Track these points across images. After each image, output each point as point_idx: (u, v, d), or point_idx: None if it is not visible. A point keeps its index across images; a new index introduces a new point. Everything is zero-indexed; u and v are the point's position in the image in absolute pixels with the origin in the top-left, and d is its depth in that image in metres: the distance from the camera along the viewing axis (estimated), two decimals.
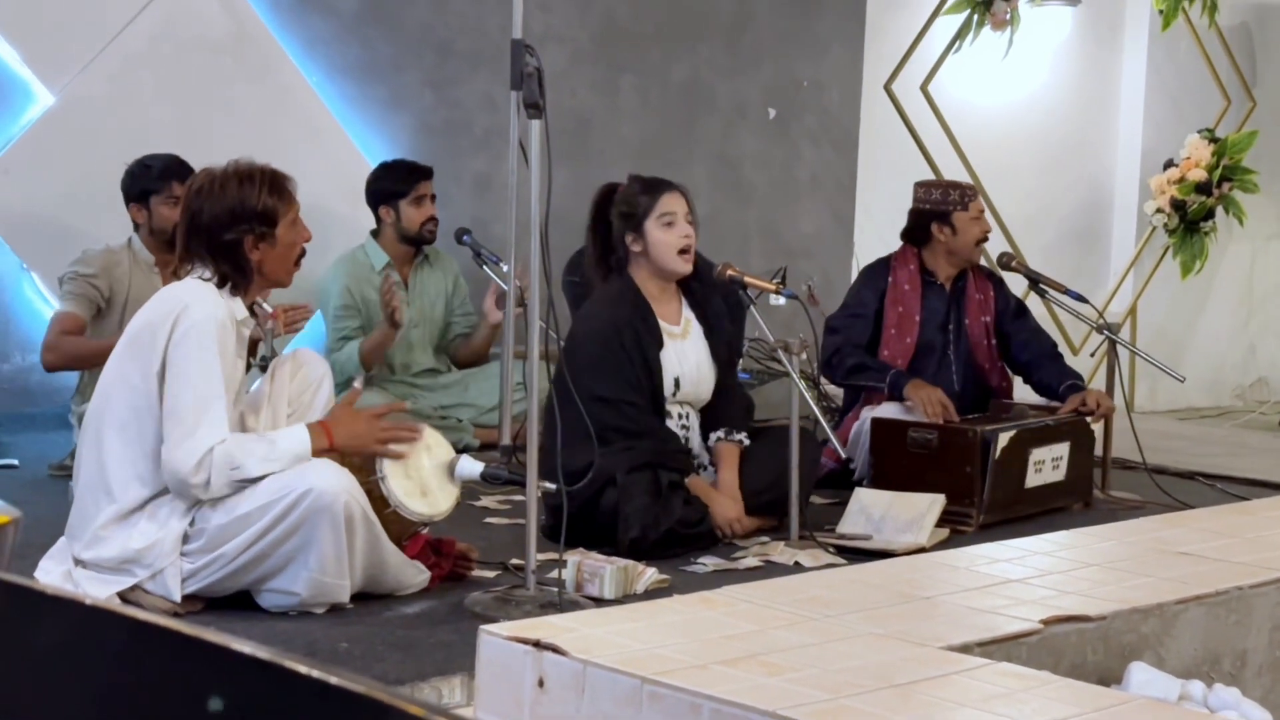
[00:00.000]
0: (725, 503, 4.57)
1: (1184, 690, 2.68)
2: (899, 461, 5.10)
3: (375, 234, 6.12)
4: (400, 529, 3.77)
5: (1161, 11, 8.36)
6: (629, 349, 4.53)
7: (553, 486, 3.73)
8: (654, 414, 4.58)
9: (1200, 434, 7.96)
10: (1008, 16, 7.78)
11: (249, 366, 3.85)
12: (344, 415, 3.72)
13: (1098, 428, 5.53)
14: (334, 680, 1.03)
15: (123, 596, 3.52)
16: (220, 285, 3.65)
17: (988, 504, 4.99)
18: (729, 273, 4.72)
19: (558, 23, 6.90)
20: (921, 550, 4.43)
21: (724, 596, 2.87)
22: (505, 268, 4.96)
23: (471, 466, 3.84)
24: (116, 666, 1.16)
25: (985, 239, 5.64)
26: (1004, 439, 5.02)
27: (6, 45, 5.75)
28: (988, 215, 5.85)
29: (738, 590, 2.95)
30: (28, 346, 5.77)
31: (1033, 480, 5.16)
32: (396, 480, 3.74)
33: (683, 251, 4.62)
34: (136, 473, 3.57)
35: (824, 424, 4.69)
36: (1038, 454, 5.16)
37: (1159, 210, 8.62)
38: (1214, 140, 8.61)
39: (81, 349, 5.08)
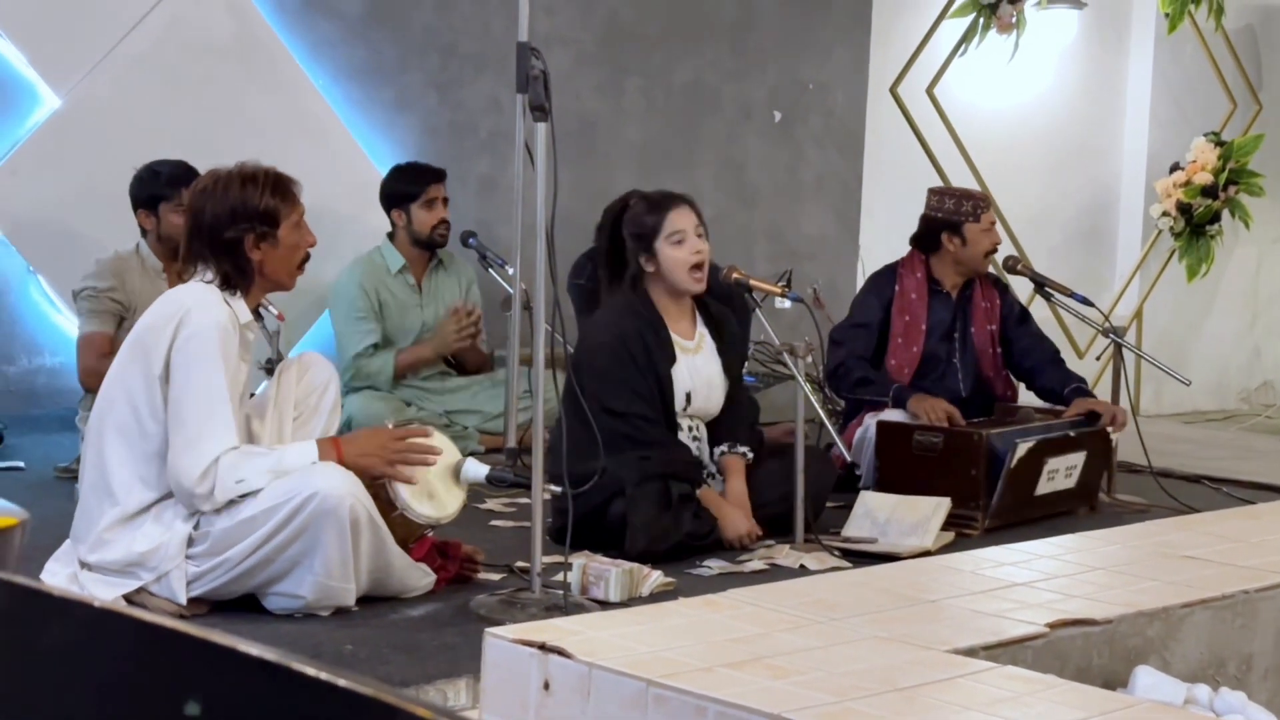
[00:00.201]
0: (736, 515, 4.54)
1: (1189, 694, 2.69)
2: (904, 465, 5.09)
3: (391, 236, 6.11)
4: (407, 531, 3.77)
5: (1167, 15, 8.34)
6: (638, 361, 4.51)
7: (558, 489, 3.72)
8: (665, 426, 4.57)
9: (1206, 437, 7.95)
10: (1013, 19, 7.77)
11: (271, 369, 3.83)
12: (360, 434, 3.71)
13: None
14: (342, 682, 1.03)
15: (128, 599, 3.52)
16: (222, 286, 3.64)
17: (995, 509, 4.98)
18: (734, 276, 4.72)
19: (562, 25, 6.90)
20: (926, 553, 4.42)
21: (729, 599, 2.87)
22: (511, 270, 4.96)
23: (478, 469, 3.85)
24: (123, 668, 1.16)
25: (995, 251, 5.59)
26: (1022, 449, 5.00)
27: (13, 48, 5.75)
28: (997, 225, 5.81)
29: (743, 593, 2.95)
30: (34, 349, 5.77)
31: (1044, 488, 5.15)
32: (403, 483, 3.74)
33: (695, 268, 4.59)
34: (139, 475, 3.57)
35: (829, 427, 4.68)
36: (1053, 463, 5.15)
37: (1165, 213, 8.61)
38: (1220, 144, 8.60)
39: None
